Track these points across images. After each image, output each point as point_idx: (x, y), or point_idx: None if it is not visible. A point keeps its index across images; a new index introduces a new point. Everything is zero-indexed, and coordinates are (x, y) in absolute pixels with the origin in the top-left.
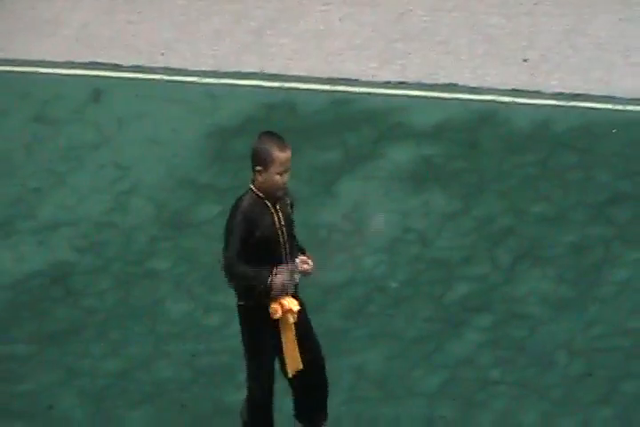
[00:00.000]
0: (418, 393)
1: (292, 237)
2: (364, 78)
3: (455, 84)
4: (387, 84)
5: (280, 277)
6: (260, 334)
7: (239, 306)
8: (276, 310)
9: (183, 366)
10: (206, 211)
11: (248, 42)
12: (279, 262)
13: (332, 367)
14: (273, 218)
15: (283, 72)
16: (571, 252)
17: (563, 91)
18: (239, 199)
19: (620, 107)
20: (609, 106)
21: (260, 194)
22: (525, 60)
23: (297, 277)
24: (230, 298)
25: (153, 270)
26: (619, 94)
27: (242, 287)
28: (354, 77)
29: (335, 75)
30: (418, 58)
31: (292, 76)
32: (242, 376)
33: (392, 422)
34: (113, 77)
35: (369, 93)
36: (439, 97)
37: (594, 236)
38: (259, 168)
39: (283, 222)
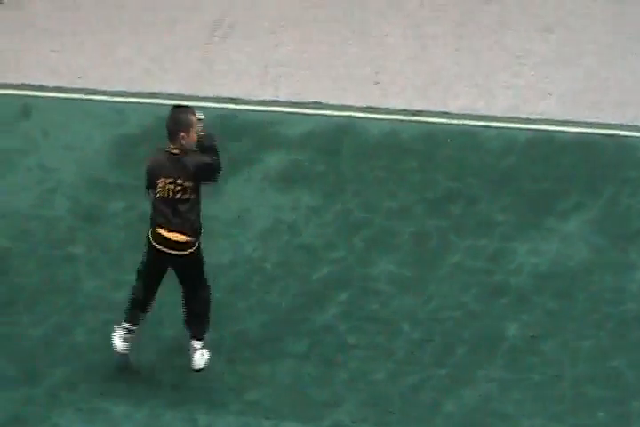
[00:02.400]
0: (289, 355)
1: None
2: (244, 97)
3: (319, 102)
4: (262, 102)
5: None
6: None
7: (195, 252)
8: None
9: (96, 333)
10: (114, 206)
11: (151, 67)
12: None
13: (217, 334)
14: None
15: (179, 92)
16: (413, 240)
17: (407, 108)
18: (186, 160)
19: (454, 121)
20: (445, 120)
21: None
22: (377, 83)
23: None
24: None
25: (71, 254)
26: (453, 110)
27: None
28: (236, 96)
29: (221, 94)
30: (289, 80)
31: (187, 95)
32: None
33: (267, 378)
34: (39, 96)
35: (248, 110)
36: (306, 113)
37: (432, 227)
38: (183, 134)
39: None
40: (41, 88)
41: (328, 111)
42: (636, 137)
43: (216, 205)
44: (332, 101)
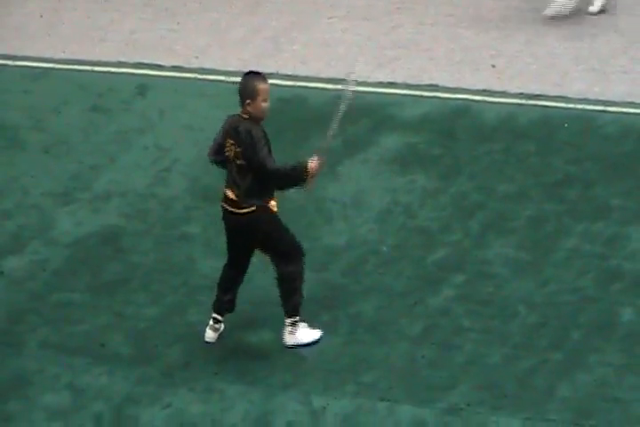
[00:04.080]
0: (403, 337)
1: None
2: (360, 79)
3: (436, 85)
4: (379, 84)
5: (315, 164)
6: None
7: (259, 209)
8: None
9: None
10: None
11: (266, 48)
12: None
13: (332, 316)
14: None
15: (295, 73)
16: (529, 223)
17: (524, 91)
18: (244, 125)
19: (571, 105)
20: (561, 104)
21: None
22: (493, 66)
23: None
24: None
25: (187, 233)
26: (570, 95)
27: (287, 184)
28: None
29: (337, 76)
30: (405, 63)
31: (302, 76)
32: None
33: (382, 360)
34: (156, 75)
35: (365, 92)
36: (422, 95)
37: (548, 210)
38: (248, 101)
39: None
40: (157, 67)
41: (444, 94)
42: None
43: (332, 186)
44: (448, 84)
